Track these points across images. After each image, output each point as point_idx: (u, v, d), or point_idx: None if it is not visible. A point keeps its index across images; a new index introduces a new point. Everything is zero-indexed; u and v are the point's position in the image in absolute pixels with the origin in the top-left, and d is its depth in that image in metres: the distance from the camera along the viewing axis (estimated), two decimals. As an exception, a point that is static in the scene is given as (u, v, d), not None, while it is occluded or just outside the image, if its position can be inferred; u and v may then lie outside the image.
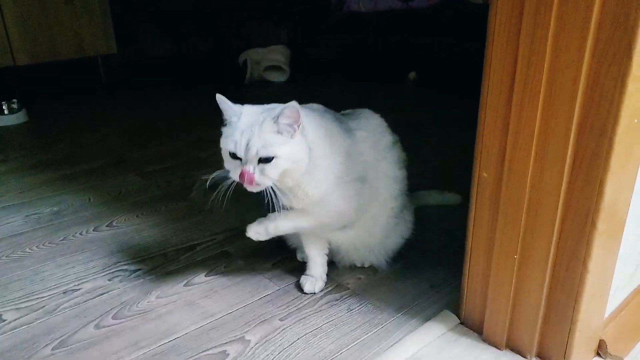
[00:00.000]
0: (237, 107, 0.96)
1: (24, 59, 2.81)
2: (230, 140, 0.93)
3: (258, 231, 1.07)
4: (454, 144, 2.13)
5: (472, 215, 0.94)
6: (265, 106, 0.99)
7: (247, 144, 0.91)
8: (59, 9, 2.86)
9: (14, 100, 2.53)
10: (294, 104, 0.90)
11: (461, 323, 1.03)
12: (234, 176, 0.94)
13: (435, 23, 3.24)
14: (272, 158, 0.91)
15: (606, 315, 0.95)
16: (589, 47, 0.71)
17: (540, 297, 0.87)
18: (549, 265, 0.84)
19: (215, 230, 1.43)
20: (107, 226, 1.46)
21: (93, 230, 1.44)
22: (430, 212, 1.50)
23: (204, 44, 3.93)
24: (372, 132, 1.11)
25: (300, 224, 1.06)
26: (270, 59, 3.26)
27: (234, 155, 0.94)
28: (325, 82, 3.36)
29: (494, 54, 0.81)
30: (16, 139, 2.31)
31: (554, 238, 0.82)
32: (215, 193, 0.97)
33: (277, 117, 0.91)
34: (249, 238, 1.40)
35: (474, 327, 1.00)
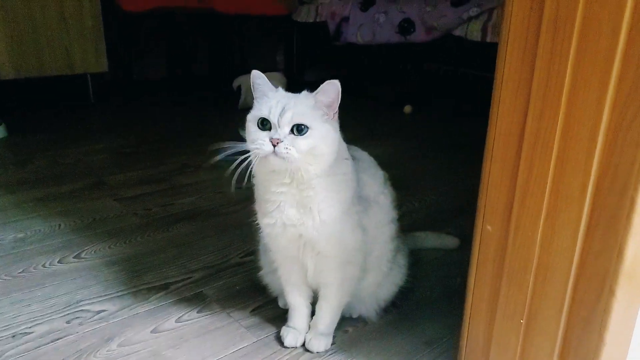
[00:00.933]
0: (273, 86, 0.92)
1: (10, 73, 2.72)
2: (265, 107, 0.87)
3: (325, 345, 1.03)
4: (452, 174, 2.06)
5: (473, 271, 0.84)
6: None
7: (283, 109, 0.85)
8: (51, 25, 2.78)
9: (-6, 114, 2.42)
10: (335, 81, 0.86)
11: (457, 390, 0.92)
12: (262, 145, 0.85)
13: (434, 56, 3.22)
14: (306, 129, 0.85)
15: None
16: (609, 99, 0.62)
17: (548, 370, 0.77)
18: (560, 334, 0.75)
19: (192, 268, 1.32)
20: (74, 257, 1.35)
21: (58, 262, 1.32)
22: (426, 256, 1.40)
23: (199, 68, 3.87)
24: (369, 164, 1.05)
25: (336, 298, 1.01)
26: (264, 84, 3.19)
27: (263, 123, 0.87)
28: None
29: (501, 104, 0.73)
30: (-8, 156, 2.20)
31: (566, 305, 0.73)
32: (234, 166, 0.88)
33: (316, 93, 0.88)
34: (227, 278, 1.30)
35: (472, 396, 0.90)
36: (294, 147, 0.85)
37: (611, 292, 0.69)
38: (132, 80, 3.41)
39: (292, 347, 1.02)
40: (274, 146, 0.84)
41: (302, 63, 3.97)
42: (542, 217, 0.71)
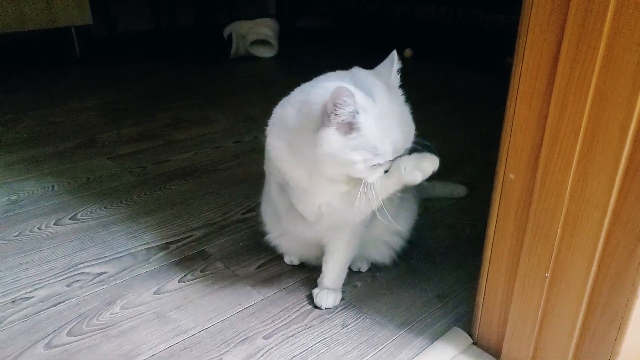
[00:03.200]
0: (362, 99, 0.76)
1: (-11, 28, 2.58)
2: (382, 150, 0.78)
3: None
4: (456, 122, 1.99)
5: (493, 222, 0.79)
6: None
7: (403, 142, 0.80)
8: (28, -25, 2.61)
9: (-23, 72, 2.31)
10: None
11: (474, 343, 0.89)
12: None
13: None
14: None
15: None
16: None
17: (574, 324, 0.73)
18: (588, 288, 0.70)
19: (193, 225, 1.27)
20: (70, 219, 1.30)
21: (54, 224, 1.27)
22: (434, 206, 1.35)
23: (187, 17, 3.71)
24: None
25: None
26: (257, 32, 3.05)
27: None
28: (317, 55, 3.16)
29: (531, 31, 0.65)
30: (-23, 116, 2.11)
31: (597, 257, 0.68)
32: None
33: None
34: (229, 235, 1.25)
35: (490, 350, 0.87)
36: None
37: (646, 244, 0.64)
38: (116, 34, 3.26)
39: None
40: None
41: (294, 8, 3.80)
42: (575, 161, 0.65)
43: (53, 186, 1.47)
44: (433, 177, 1.43)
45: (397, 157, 0.81)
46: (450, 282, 1.06)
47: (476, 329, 0.88)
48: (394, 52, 0.84)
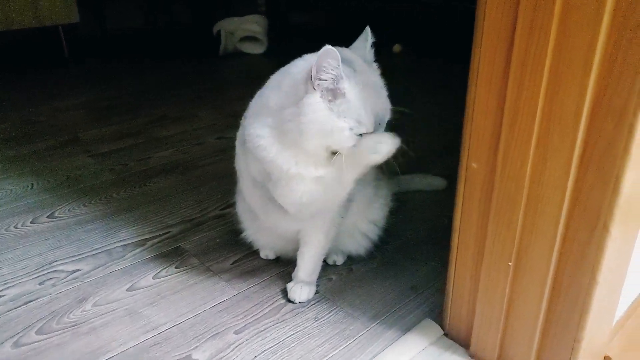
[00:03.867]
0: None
1: (-28, 28, 2.56)
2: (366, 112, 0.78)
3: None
4: (440, 115, 1.98)
5: (458, 211, 0.79)
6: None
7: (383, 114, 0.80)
8: (12, -27, 2.60)
9: (-39, 73, 2.30)
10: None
11: (445, 334, 0.89)
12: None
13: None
14: None
15: (613, 325, 0.81)
16: (608, 10, 0.54)
17: (538, 310, 0.73)
18: (550, 274, 0.70)
19: (170, 222, 1.26)
20: (47, 217, 1.29)
21: (31, 223, 1.26)
22: (412, 199, 1.35)
23: (177, 14, 3.69)
24: None
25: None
26: (245, 29, 3.04)
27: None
28: (308, 51, 3.14)
29: (487, 15, 0.64)
30: (-39, 117, 2.10)
31: (557, 243, 0.67)
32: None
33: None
34: (206, 231, 1.24)
35: (460, 340, 0.86)
36: None
37: (605, 229, 0.63)
38: (106, 32, 3.25)
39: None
40: None
41: (287, 4, 3.78)
42: (532, 145, 0.65)
43: (32, 185, 1.47)
44: (412, 170, 1.44)
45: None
46: (425, 273, 1.06)
47: (447, 319, 0.88)
48: (367, 27, 0.84)
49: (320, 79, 0.74)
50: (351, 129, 0.76)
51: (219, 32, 3.03)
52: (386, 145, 0.78)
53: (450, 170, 1.45)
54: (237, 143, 0.91)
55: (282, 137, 0.80)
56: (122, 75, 2.71)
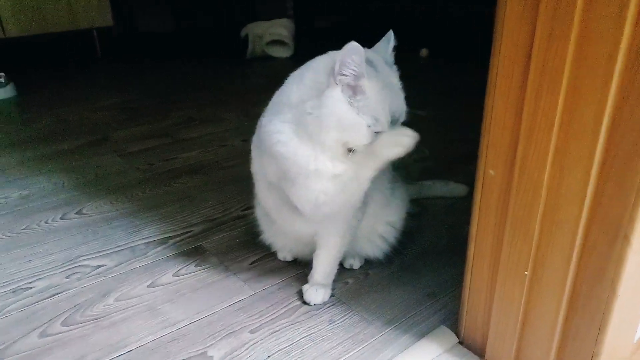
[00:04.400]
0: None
1: (13, 31, 2.68)
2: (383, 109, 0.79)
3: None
4: (465, 121, 1.96)
5: (475, 219, 0.78)
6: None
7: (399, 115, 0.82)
8: (51, -21, 2.70)
9: (2, 74, 2.40)
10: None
11: (460, 343, 0.88)
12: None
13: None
14: None
15: (634, 340, 0.79)
16: (631, 15, 0.54)
17: (555, 323, 0.72)
18: (568, 286, 0.69)
19: (193, 221, 1.29)
20: (76, 213, 1.33)
21: (60, 219, 1.31)
22: (433, 205, 1.34)
23: (207, 18, 3.76)
24: None
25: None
26: (272, 33, 3.08)
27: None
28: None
29: (506, 24, 0.64)
30: (0, 115, 2.19)
31: (575, 254, 0.66)
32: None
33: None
34: (227, 231, 1.26)
35: (475, 349, 0.86)
36: None
37: (626, 240, 0.62)
38: (137, 34, 3.34)
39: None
40: None
41: (311, 8, 3.80)
42: (550, 154, 0.64)
43: (63, 182, 1.52)
44: (433, 176, 1.43)
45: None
46: (443, 280, 1.05)
47: (462, 327, 0.87)
48: (390, 31, 0.86)
49: (343, 74, 0.76)
50: (368, 126, 0.78)
51: (246, 36, 3.08)
52: (407, 138, 0.79)
53: (472, 177, 1.44)
54: (253, 147, 0.93)
55: (301, 131, 0.81)
56: (151, 76, 2.78)
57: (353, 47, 0.73)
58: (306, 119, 0.80)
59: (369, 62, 0.78)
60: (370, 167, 0.84)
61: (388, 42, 0.85)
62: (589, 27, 0.56)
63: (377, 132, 0.79)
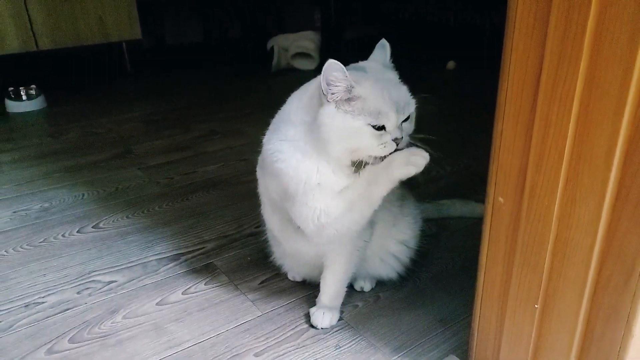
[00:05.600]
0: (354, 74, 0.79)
1: (47, 44, 2.76)
2: (379, 110, 0.78)
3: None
4: (489, 137, 1.91)
5: (484, 247, 0.75)
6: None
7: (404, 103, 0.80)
8: (83, -6, 2.79)
9: (33, 86, 2.48)
10: None
11: (470, 374, 0.84)
12: (386, 149, 0.79)
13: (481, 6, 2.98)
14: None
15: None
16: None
17: (568, 359, 0.67)
18: (580, 322, 0.65)
19: (206, 237, 1.29)
20: (93, 227, 1.35)
21: (77, 232, 1.33)
22: (452, 226, 1.30)
23: (235, 29, 3.80)
24: None
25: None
26: (298, 45, 3.09)
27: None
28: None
29: (515, 50, 0.61)
30: (29, 127, 2.25)
31: (588, 289, 0.62)
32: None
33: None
34: (239, 249, 1.26)
35: (485, 382, 0.82)
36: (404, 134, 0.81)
37: (643, 276, 0.58)
38: (166, 46, 3.40)
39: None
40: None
41: (341, 20, 3.79)
42: (560, 184, 0.61)
43: (83, 195, 1.54)
44: (455, 195, 1.39)
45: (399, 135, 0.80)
46: (456, 306, 1.01)
47: (472, 358, 0.83)
48: (383, 39, 0.87)
49: (332, 92, 0.76)
50: (369, 125, 0.77)
51: (272, 48, 3.10)
52: (420, 158, 0.78)
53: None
54: (258, 167, 0.92)
55: (304, 147, 0.82)
56: (177, 89, 2.83)
57: (331, 65, 0.74)
58: (309, 136, 0.81)
59: (358, 68, 0.80)
60: (381, 185, 0.82)
61: (384, 49, 0.86)
62: (601, 49, 0.53)
63: (391, 139, 0.78)
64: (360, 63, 0.85)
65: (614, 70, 0.52)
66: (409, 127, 0.82)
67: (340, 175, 0.82)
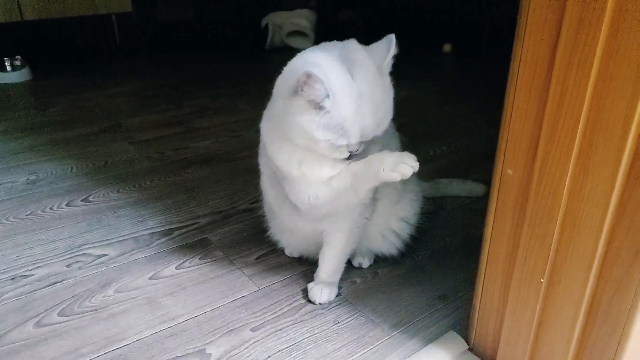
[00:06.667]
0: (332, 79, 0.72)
1: (31, 14, 2.67)
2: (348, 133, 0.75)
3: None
4: (487, 118, 1.90)
5: (490, 220, 0.73)
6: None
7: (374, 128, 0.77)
8: (70, -37, 2.69)
9: (18, 57, 2.40)
10: None
11: (470, 349, 0.83)
12: (341, 156, 0.79)
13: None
14: None
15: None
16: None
17: (571, 334, 0.66)
18: (587, 295, 0.63)
19: (199, 213, 1.26)
20: (82, 201, 1.32)
21: (65, 205, 1.29)
22: (449, 204, 1.29)
23: (228, 6, 3.72)
24: None
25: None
26: (293, 23, 3.03)
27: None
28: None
29: (531, 13, 0.59)
30: (14, 98, 2.19)
31: (596, 262, 0.61)
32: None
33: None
34: (234, 224, 1.23)
35: (485, 357, 0.81)
36: None
37: (654, 249, 0.57)
38: (157, 22, 3.32)
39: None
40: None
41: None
42: (574, 153, 0.59)
43: (72, 168, 1.50)
44: (452, 174, 1.38)
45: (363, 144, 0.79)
46: (455, 283, 1.00)
47: (472, 333, 0.82)
48: (393, 36, 0.79)
49: (305, 92, 0.72)
50: (329, 141, 0.74)
51: (266, 26, 3.04)
52: (407, 168, 0.76)
53: (491, 177, 1.39)
54: (261, 137, 0.90)
55: (277, 128, 0.81)
56: (168, 65, 2.77)
57: (309, 77, 0.69)
58: (278, 121, 0.79)
59: (349, 63, 0.74)
60: (366, 183, 0.81)
61: (388, 49, 0.78)
62: (624, 12, 0.51)
63: (348, 150, 0.77)
64: (355, 53, 0.77)
65: (637, 34, 0.50)
66: (377, 137, 0.80)
67: (324, 166, 0.80)
